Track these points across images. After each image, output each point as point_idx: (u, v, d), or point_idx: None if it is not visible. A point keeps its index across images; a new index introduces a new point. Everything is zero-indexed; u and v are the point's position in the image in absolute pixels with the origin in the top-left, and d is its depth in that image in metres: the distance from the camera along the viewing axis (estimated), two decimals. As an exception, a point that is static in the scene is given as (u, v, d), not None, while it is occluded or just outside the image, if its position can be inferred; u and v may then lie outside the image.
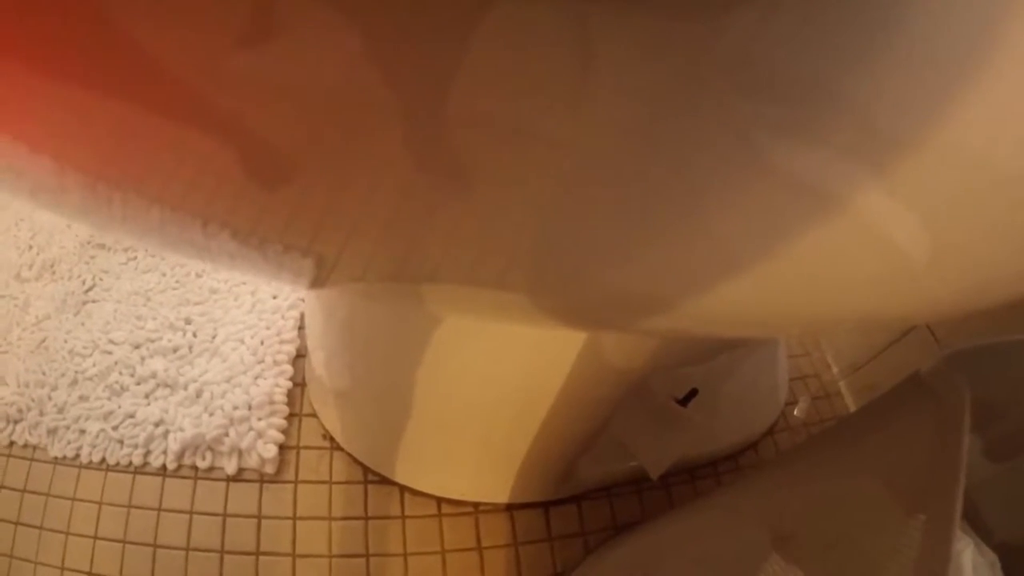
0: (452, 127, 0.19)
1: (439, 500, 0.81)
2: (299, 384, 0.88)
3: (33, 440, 0.84)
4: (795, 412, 0.97)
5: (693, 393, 0.78)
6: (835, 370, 1.02)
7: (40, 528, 0.78)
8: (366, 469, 0.82)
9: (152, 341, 0.90)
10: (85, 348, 0.90)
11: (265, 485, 0.81)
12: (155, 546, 0.76)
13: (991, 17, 0.17)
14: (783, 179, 0.20)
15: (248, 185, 0.22)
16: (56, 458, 0.83)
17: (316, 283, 0.30)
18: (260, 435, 0.82)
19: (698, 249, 0.24)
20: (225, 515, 0.79)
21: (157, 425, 0.83)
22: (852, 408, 0.99)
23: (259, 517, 0.78)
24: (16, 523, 0.79)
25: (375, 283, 0.30)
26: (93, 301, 0.97)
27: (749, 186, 0.21)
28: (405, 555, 0.77)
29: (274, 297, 0.95)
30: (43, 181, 0.25)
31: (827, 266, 0.24)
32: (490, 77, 0.17)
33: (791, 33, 0.17)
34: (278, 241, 0.26)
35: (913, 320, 0.78)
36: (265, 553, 0.76)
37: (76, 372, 0.88)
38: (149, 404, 0.85)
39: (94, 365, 0.88)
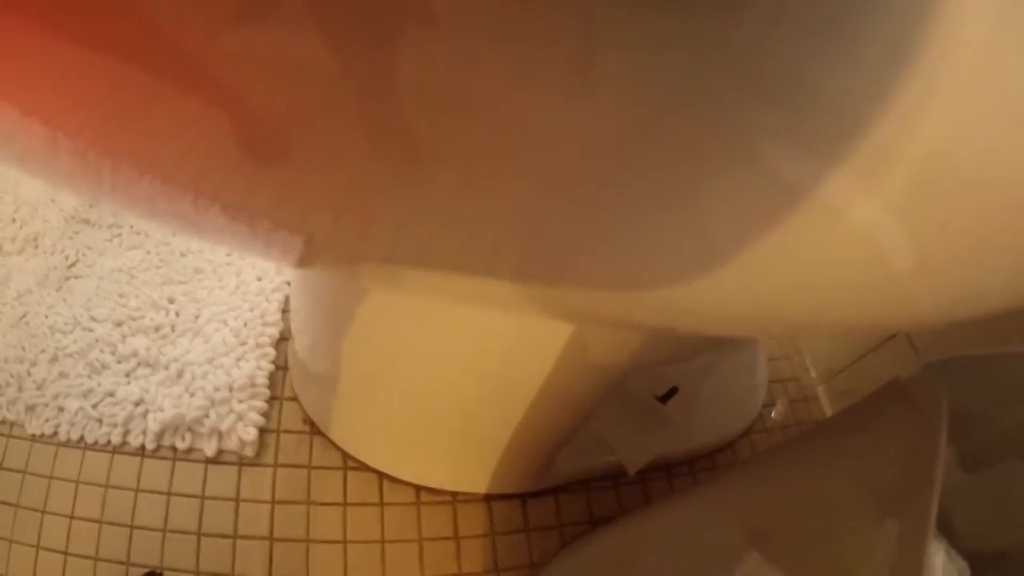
0: (447, 115, 0.19)
1: (418, 488, 0.81)
2: (281, 367, 0.88)
3: (11, 416, 0.83)
4: (772, 414, 0.98)
5: (673, 391, 0.79)
6: (813, 374, 1.03)
7: (16, 506, 0.77)
8: (346, 455, 0.82)
9: (134, 319, 0.90)
10: (66, 324, 0.89)
11: (244, 468, 0.80)
12: (132, 527, 0.76)
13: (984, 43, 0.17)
14: (775, 181, 0.21)
15: (239, 158, 0.22)
16: (34, 435, 0.82)
17: (304, 262, 0.30)
18: (240, 417, 0.82)
19: (685, 244, 0.24)
20: (203, 497, 0.78)
21: (137, 404, 0.82)
22: (829, 412, 1.00)
23: (237, 500, 0.78)
24: (-8, 500, 0.78)
25: (364, 264, 0.30)
26: (76, 277, 0.96)
27: (740, 186, 0.21)
28: (383, 542, 0.78)
29: (259, 279, 0.94)
30: (33, 147, 0.25)
31: (812, 269, 0.25)
32: (489, 67, 0.17)
33: (796, 40, 0.17)
34: (267, 217, 0.26)
35: (896, 328, 0.79)
36: (242, 536, 0.76)
37: (56, 348, 0.87)
38: (129, 383, 0.84)
39: (75, 342, 0.87)
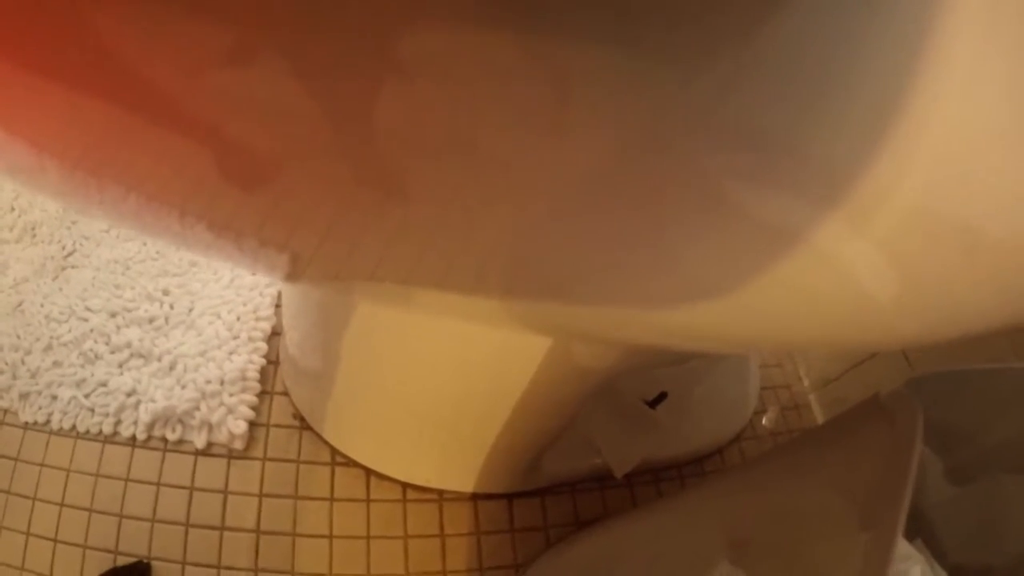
0: (427, 154, 0.19)
1: (405, 485, 0.82)
2: (272, 362, 0.89)
3: (4, 404, 0.84)
4: (763, 421, 0.98)
5: (663, 396, 0.79)
6: (806, 382, 1.03)
7: (8, 493, 0.78)
8: (334, 450, 0.83)
9: (129, 310, 0.90)
10: (61, 314, 0.90)
11: (233, 461, 0.81)
12: (121, 516, 0.77)
13: (939, 93, 0.17)
14: (748, 219, 0.21)
15: (222, 184, 0.22)
16: (27, 423, 0.83)
17: (291, 278, 0.31)
18: (231, 411, 0.82)
19: (666, 274, 0.25)
20: (192, 488, 0.79)
21: (129, 395, 0.83)
22: (820, 420, 1.00)
23: (225, 492, 0.79)
24: (-17, 486, 0.79)
25: (350, 281, 0.31)
26: (72, 267, 0.96)
27: (715, 223, 0.21)
28: (368, 538, 0.78)
29: (253, 273, 0.94)
30: (21, 162, 0.25)
31: (792, 299, 0.25)
32: (467, 111, 0.18)
33: (761, 85, 0.18)
34: (253, 236, 0.27)
35: (880, 349, 0.80)
36: (229, 528, 0.77)
37: (51, 337, 0.87)
38: (122, 373, 0.85)
39: (69, 331, 0.88)
